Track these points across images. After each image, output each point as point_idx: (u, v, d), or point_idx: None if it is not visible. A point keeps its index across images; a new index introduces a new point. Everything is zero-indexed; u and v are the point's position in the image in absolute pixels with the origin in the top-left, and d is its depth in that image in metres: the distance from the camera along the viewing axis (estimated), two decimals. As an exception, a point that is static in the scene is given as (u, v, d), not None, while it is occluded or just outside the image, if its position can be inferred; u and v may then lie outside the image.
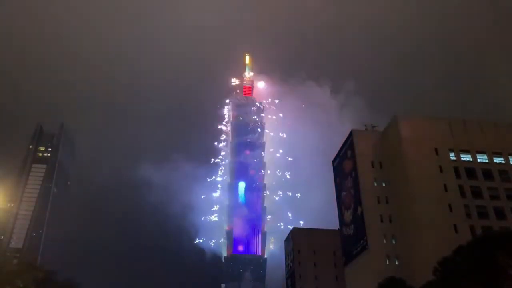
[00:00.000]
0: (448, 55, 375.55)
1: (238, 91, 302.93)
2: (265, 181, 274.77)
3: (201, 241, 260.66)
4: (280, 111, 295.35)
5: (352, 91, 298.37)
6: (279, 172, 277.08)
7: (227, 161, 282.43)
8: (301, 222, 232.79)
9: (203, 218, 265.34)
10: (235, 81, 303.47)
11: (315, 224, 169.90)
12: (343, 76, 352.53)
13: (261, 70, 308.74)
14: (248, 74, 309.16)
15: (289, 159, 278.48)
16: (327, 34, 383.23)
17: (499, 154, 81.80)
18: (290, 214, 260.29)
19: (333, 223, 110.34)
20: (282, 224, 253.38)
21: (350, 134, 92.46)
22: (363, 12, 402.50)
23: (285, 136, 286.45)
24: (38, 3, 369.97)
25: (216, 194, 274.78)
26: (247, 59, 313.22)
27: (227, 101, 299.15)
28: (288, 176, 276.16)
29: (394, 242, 78.65)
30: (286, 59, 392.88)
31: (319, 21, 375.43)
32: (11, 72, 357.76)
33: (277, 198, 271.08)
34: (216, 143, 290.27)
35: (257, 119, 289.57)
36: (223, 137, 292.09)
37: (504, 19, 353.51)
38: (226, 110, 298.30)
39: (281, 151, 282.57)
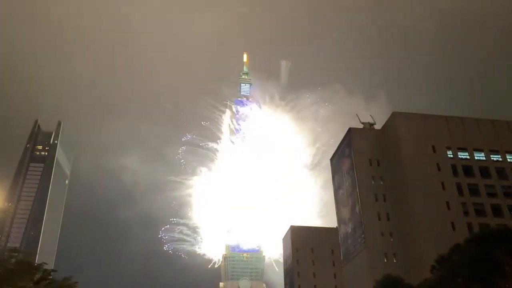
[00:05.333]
0: (447, 54, 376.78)
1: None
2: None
3: (200, 239, 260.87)
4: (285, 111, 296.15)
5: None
6: (279, 171, 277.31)
7: (227, 158, 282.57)
8: (300, 220, 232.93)
9: (202, 216, 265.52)
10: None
11: (314, 222, 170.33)
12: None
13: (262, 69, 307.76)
14: (245, 72, 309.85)
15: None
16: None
17: (496, 152, 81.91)
18: (288, 213, 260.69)
19: (331, 221, 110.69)
20: (280, 222, 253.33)
21: (348, 132, 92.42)
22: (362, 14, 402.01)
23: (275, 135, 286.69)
24: (37, 3, 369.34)
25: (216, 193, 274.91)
26: (245, 57, 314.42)
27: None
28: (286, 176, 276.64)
29: (392, 239, 78.75)
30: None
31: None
32: (9, 70, 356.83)
33: (276, 196, 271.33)
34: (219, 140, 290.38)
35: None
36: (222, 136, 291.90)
37: (503, 19, 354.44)
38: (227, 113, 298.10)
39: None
